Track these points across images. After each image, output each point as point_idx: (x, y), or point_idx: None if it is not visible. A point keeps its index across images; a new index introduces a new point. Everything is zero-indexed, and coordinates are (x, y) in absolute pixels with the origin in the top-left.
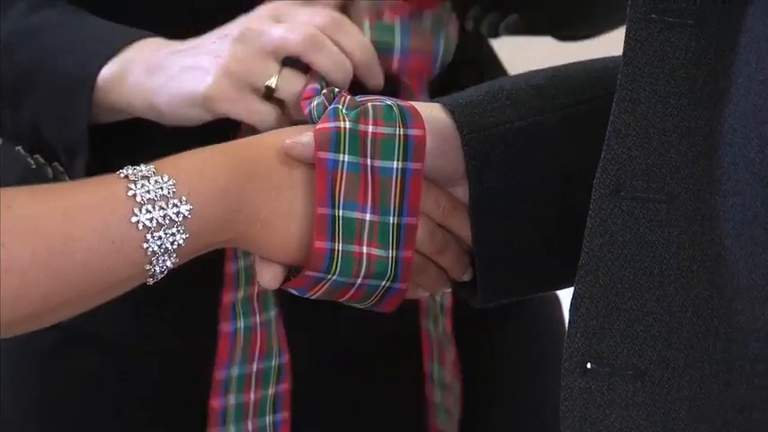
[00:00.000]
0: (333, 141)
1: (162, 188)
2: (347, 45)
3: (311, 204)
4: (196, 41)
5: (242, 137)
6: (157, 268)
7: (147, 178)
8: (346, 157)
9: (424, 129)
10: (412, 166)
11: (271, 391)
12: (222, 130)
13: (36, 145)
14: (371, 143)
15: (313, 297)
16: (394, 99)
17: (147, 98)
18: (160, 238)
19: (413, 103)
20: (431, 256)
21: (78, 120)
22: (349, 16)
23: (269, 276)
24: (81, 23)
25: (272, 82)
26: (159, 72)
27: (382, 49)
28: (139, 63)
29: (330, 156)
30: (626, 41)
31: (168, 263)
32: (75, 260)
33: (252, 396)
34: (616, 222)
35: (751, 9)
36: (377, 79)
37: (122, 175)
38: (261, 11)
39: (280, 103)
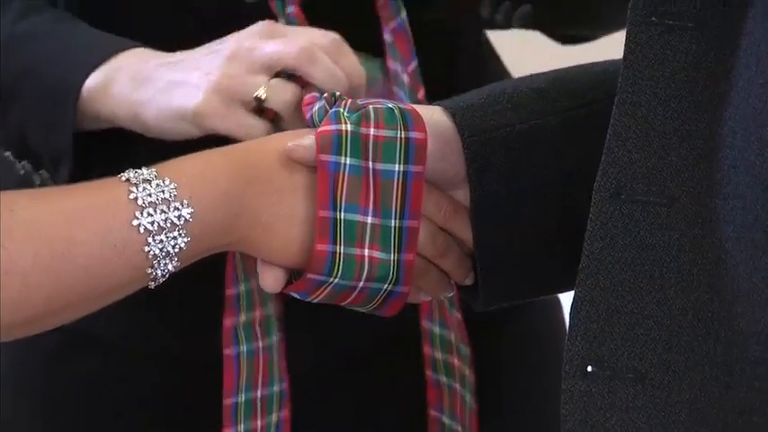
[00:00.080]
0: (334, 144)
1: (163, 191)
2: (344, 66)
3: (313, 207)
4: (185, 55)
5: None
6: (159, 272)
7: (149, 181)
8: (348, 159)
9: (426, 132)
10: (413, 168)
11: (274, 417)
12: (207, 138)
13: (22, 152)
14: (373, 146)
15: (315, 301)
16: (395, 102)
17: (132, 110)
18: (161, 241)
19: (414, 106)
20: (432, 260)
21: (63, 128)
22: None
23: (270, 280)
24: (69, 31)
25: (261, 93)
26: (146, 84)
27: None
28: (125, 73)
29: (332, 158)
30: (626, 44)
31: (170, 266)
32: (76, 263)
33: (258, 423)
34: (616, 225)
35: (751, 12)
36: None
37: (124, 179)
38: (256, 27)
39: (271, 114)
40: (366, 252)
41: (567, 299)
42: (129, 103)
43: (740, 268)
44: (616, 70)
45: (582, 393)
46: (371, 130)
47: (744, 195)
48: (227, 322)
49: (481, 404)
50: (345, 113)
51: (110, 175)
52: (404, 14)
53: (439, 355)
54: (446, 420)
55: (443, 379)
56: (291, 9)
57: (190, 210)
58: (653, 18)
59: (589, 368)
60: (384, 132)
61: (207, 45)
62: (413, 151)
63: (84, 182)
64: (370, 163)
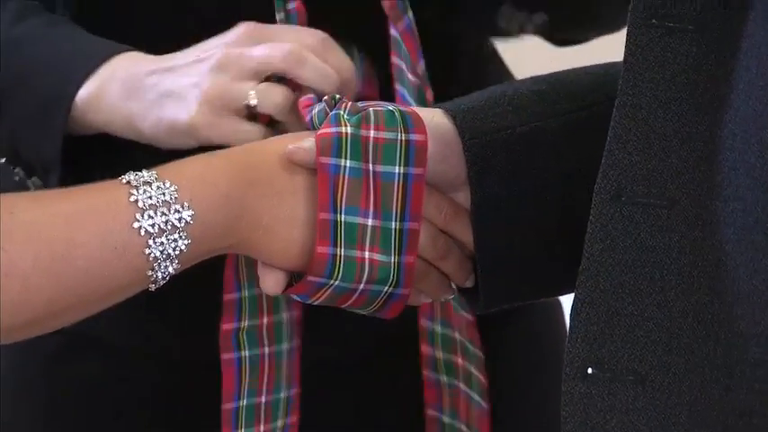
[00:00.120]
0: (334, 146)
1: (164, 194)
2: (333, 62)
3: (313, 210)
4: (174, 61)
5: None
6: (159, 274)
7: (150, 184)
8: (348, 162)
9: (426, 134)
10: (414, 171)
11: (279, 423)
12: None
13: (14, 159)
14: (373, 148)
15: (315, 303)
16: (396, 105)
17: (127, 121)
18: (162, 243)
19: (414, 108)
20: (433, 262)
21: (52, 139)
22: None
23: (271, 282)
24: (62, 36)
25: (251, 99)
26: (138, 95)
27: None
28: (116, 82)
29: (332, 161)
30: (627, 47)
31: (170, 269)
32: (77, 266)
33: (262, 429)
34: (617, 227)
35: (751, 14)
36: (352, 92)
37: (124, 181)
38: (240, 30)
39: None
40: (366, 254)
41: (567, 301)
42: (123, 115)
43: (740, 270)
44: (616, 72)
45: (582, 395)
46: (372, 133)
47: (744, 197)
48: (225, 327)
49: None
50: (345, 116)
51: (110, 177)
52: (410, 14)
53: (439, 353)
54: (446, 420)
55: (443, 378)
56: (293, 5)
57: (190, 212)
58: (653, 20)
59: (589, 370)
60: (384, 134)
61: (195, 48)
62: (413, 153)
63: (84, 184)
64: (371, 165)
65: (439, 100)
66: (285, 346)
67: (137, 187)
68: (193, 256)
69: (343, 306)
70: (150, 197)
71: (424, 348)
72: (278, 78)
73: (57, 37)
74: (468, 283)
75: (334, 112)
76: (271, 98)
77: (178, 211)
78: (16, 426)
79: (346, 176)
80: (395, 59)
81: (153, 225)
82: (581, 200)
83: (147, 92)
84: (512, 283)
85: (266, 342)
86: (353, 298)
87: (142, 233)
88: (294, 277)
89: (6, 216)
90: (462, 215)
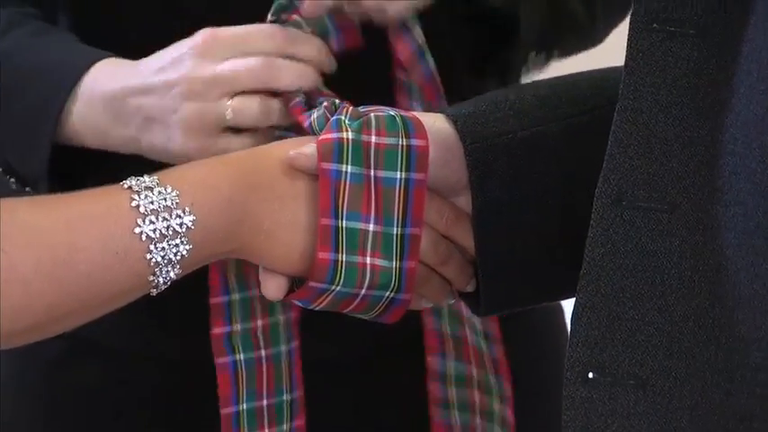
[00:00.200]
0: (336, 152)
1: (165, 199)
2: (303, 54)
3: (314, 215)
4: (147, 79)
5: None
6: (161, 279)
7: (151, 189)
8: (349, 167)
9: (427, 139)
10: (415, 176)
11: (285, 427)
12: None
13: (7, 169)
14: (374, 154)
15: (317, 308)
16: (397, 110)
17: (120, 143)
18: (163, 249)
19: (416, 113)
20: (434, 267)
21: (40, 150)
22: None
23: (273, 288)
24: (46, 47)
25: (228, 117)
26: (125, 119)
27: (321, 37)
28: (98, 104)
29: (333, 166)
30: (628, 51)
31: (172, 274)
32: (78, 270)
33: None
34: (618, 232)
35: (752, 19)
36: (332, 67)
37: (126, 186)
38: (198, 39)
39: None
40: (368, 260)
41: (568, 305)
42: (115, 138)
43: (741, 275)
44: (617, 77)
45: (583, 400)
46: (373, 138)
47: (745, 202)
48: (216, 331)
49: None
50: (347, 121)
51: (110, 182)
52: (430, 60)
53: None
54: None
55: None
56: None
57: (192, 217)
58: (654, 25)
59: (590, 374)
60: (385, 140)
61: (161, 57)
62: (414, 159)
63: (86, 189)
64: (372, 171)
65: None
66: (283, 347)
67: (138, 192)
68: (195, 261)
69: (344, 311)
70: (152, 202)
71: (433, 387)
72: None
73: (42, 47)
74: (470, 288)
75: (335, 117)
76: (246, 112)
77: (179, 216)
78: (16, 426)
79: (348, 182)
80: (405, 103)
81: (154, 230)
82: (582, 204)
83: (132, 116)
84: (513, 288)
85: (262, 345)
86: (355, 303)
87: (143, 238)
88: (295, 282)
89: (7, 220)
90: (463, 220)
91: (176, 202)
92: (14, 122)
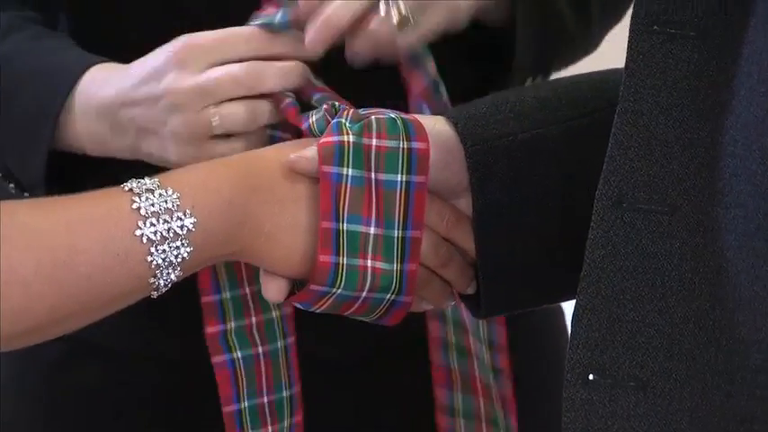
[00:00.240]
0: (336, 155)
1: (166, 201)
2: (283, 50)
3: (315, 218)
4: (133, 92)
5: None
6: (161, 281)
7: (152, 191)
8: (350, 170)
9: (428, 142)
10: (416, 179)
11: (286, 423)
12: None
13: (6, 174)
14: (375, 156)
15: (318, 311)
16: (397, 112)
17: (127, 152)
18: (164, 251)
19: (416, 115)
20: (435, 269)
21: (37, 156)
22: None
23: (273, 290)
24: (44, 51)
25: (216, 125)
26: (121, 129)
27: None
28: (92, 113)
29: (334, 170)
30: (628, 53)
31: (172, 276)
32: (79, 273)
33: (270, 429)
34: (618, 234)
35: (753, 21)
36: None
37: (127, 189)
38: (178, 45)
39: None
40: (369, 263)
41: (568, 307)
42: (115, 146)
43: (741, 277)
44: (618, 79)
45: (583, 402)
46: (374, 141)
47: (745, 204)
48: (211, 330)
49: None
50: (347, 124)
51: (113, 184)
52: (444, 92)
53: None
54: None
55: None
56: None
57: (193, 219)
58: (655, 27)
59: (591, 376)
60: (386, 143)
61: (145, 64)
62: (415, 161)
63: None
64: (373, 173)
65: None
66: (279, 343)
67: (139, 194)
68: (195, 263)
69: (345, 313)
70: (152, 204)
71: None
72: None
73: (40, 51)
74: (470, 290)
75: (335, 120)
76: (233, 119)
77: (180, 219)
78: (16, 427)
79: (348, 185)
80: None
81: (155, 233)
82: (582, 206)
83: (127, 127)
84: (513, 290)
85: (258, 341)
86: (356, 306)
87: (144, 241)
88: (296, 285)
89: (7, 222)
90: (464, 222)
91: (177, 205)
92: (13, 127)
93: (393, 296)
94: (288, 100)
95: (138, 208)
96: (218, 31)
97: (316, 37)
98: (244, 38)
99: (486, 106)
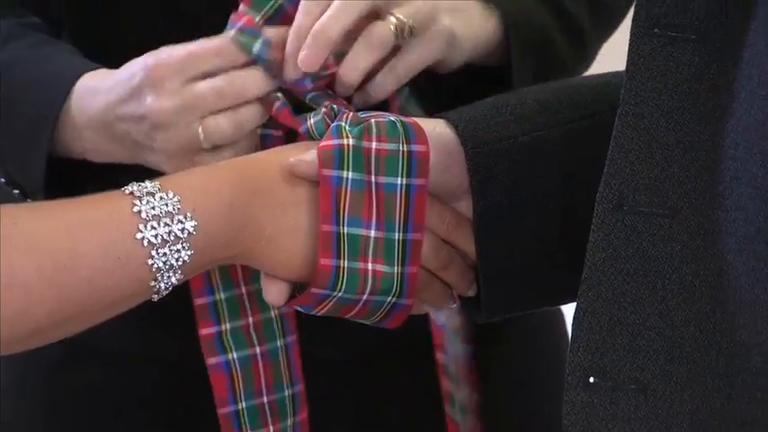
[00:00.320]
0: (336, 158)
1: (167, 204)
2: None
3: (316, 221)
4: (122, 107)
5: None
6: (162, 285)
7: (153, 195)
8: (350, 173)
9: (428, 144)
10: (416, 181)
11: (289, 422)
12: None
13: (8, 180)
14: (375, 159)
15: (319, 314)
16: (397, 115)
17: (124, 159)
18: (165, 254)
19: (417, 118)
20: (435, 272)
21: (36, 162)
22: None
23: (274, 293)
24: (43, 58)
25: (202, 139)
26: (117, 139)
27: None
28: (86, 127)
29: (334, 173)
30: (629, 56)
31: (173, 279)
32: (80, 276)
33: (271, 429)
34: (619, 237)
35: (753, 24)
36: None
37: (127, 192)
38: (150, 62)
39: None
40: (370, 266)
41: (569, 310)
42: (116, 154)
43: (742, 280)
44: (618, 82)
45: (584, 404)
46: (374, 144)
47: (746, 207)
48: (205, 332)
49: (483, 415)
50: (347, 127)
51: (113, 188)
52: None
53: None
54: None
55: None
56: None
57: (193, 223)
58: (656, 30)
59: (591, 379)
60: (386, 146)
61: (123, 89)
62: (415, 164)
63: (87, 195)
64: (373, 176)
65: None
66: (279, 342)
67: (140, 198)
68: (196, 266)
69: (346, 316)
70: (153, 208)
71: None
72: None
73: (39, 58)
74: (471, 293)
75: (335, 123)
76: (218, 132)
77: (181, 222)
78: (16, 428)
79: (349, 188)
80: None
81: (156, 236)
82: (583, 209)
83: (123, 138)
84: (514, 293)
85: (256, 341)
86: (357, 309)
87: (145, 244)
88: (297, 288)
89: (8, 226)
90: (464, 225)
91: (178, 208)
92: (13, 134)
93: (394, 299)
94: (278, 102)
95: (139, 211)
96: (188, 45)
97: (309, 53)
98: (214, 51)
99: (487, 109)
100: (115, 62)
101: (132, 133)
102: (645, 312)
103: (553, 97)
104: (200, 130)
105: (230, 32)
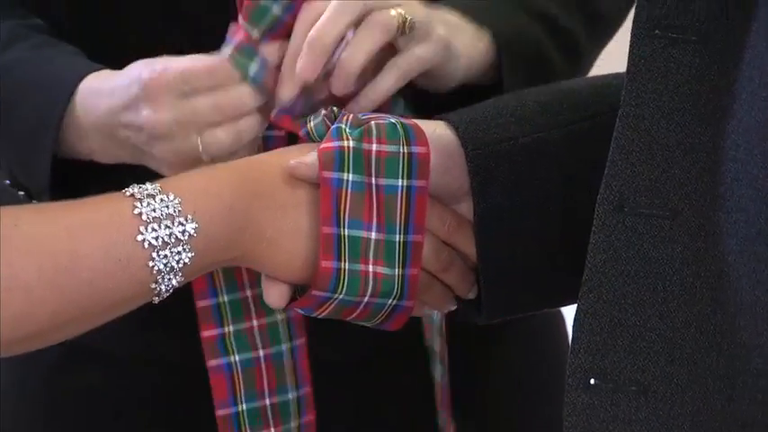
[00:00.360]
0: (336, 160)
1: (168, 206)
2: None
3: (316, 223)
4: (123, 115)
5: None
6: (163, 287)
7: (153, 197)
8: (350, 175)
9: (428, 146)
10: (416, 183)
11: (293, 424)
12: None
13: (14, 182)
14: (376, 161)
15: (320, 316)
16: (397, 117)
17: (129, 159)
18: (166, 256)
19: (417, 120)
20: (436, 274)
21: (41, 164)
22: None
23: (275, 296)
24: (46, 60)
25: (201, 153)
26: (120, 144)
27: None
28: (91, 130)
29: (334, 175)
30: (630, 57)
31: (174, 281)
32: (80, 278)
33: (272, 431)
34: (619, 238)
35: (754, 26)
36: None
37: (128, 194)
38: (144, 84)
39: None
40: (370, 268)
41: (569, 311)
42: (121, 155)
43: (743, 281)
44: (619, 83)
45: (585, 406)
46: (374, 146)
47: (747, 209)
48: (207, 334)
49: (483, 417)
50: (347, 129)
51: (118, 189)
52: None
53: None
54: None
55: None
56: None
57: (194, 225)
58: (656, 31)
59: (592, 381)
60: (386, 147)
61: (120, 98)
62: (416, 166)
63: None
64: (373, 178)
65: None
66: (285, 346)
67: (140, 200)
68: (197, 268)
69: (347, 319)
70: (154, 210)
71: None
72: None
73: (42, 60)
74: (471, 295)
75: (335, 125)
76: (217, 145)
77: (182, 224)
78: (16, 428)
79: (349, 190)
80: None
81: (157, 238)
82: (584, 210)
83: (124, 143)
84: (514, 294)
85: (260, 344)
86: (358, 311)
87: (146, 246)
88: (298, 290)
89: (9, 228)
90: (465, 227)
91: (179, 210)
92: (16, 136)
93: (395, 301)
94: (276, 108)
95: (140, 213)
96: (183, 61)
97: (307, 60)
98: (207, 70)
99: (487, 110)
100: (115, 62)
101: (132, 139)
102: (645, 314)
103: (554, 99)
104: (198, 141)
105: (227, 50)
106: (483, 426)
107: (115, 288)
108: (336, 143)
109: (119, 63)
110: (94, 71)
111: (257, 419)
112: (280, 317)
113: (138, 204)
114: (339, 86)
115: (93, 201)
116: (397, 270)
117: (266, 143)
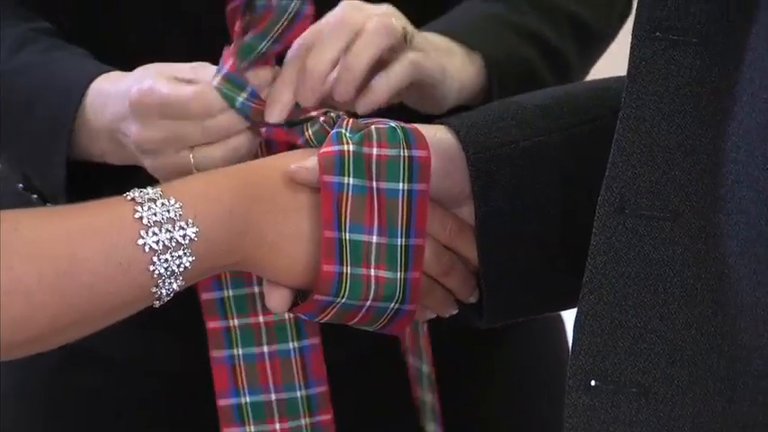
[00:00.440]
0: (337, 164)
1: (168, 210)
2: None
3: (317, 227)
4: (122, 123)
5: None
6: (164, 291)
7: (154, 201)
8: (351, 179)
9: (429, 150)
10: (417, 187)
11: (304, 421)
12: None
13: (27, 186)
14: (376, 165)
15: (322, 321)
16: (397, 122)
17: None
18: (167, 260)
19: (418, 125)
20: (437, 278)
21: (56, 167)
22: None
23: (277, 300)
24: (56, 63)
25: (193, 168)
26: (125, 147)
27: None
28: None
29: (335, 179)
30: (630, 59)
31: (174, 285)
32: (81, 282)
33: (278, 426)
34: (620, 240)
35: (755, 28)
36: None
37: (129, 198)
38: (131, 102)
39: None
40: (372, 272)
41: (569, 314)
42: (132, 161)
43: (743, 283)
44: (619, 87)
45: (585, 407)
46: (374, 150)
47: (747, 210)
48: (212, 325)
49: (483, 419)
50: (347, 134)
51: (117, 193)
52: None
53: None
54: None
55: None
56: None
57: (195, 229)
58: (657, 33)
59: (593, 382)
60: (387, 151)
61: (115, 106)
62: (416, 170)
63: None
64: (374, 182)
65: None
66: (294, 344)
67: (141, 204)
68: (198, 272)
69: (349, 323)
70: (155, 214)
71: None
72: None
73: (51, 63)
74: (472, 299)
75: (335, 130)
76: (209, 161)
77: (183, 228)
78: (16, 426)
79: (350, 194)
80: None
81: (157, 242)
82: (584, 213)
83: (129, 147)
84: (515, 298)
85: (265, 341)
86: (360, 315)
87: (147, 250)
88: (299, 295)
89: (10, 232)
90: (466, 231)
91: (179, 214)
92: (29, 141)
93: (397, 305)
94: (266, 127)
95: (141, 217)
96: (167, 89)
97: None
98: (190, 100)
99: (488, 114)
100: (116, 62)
101: (130, 146)
102: (646, 315)
103: (554, 102)
104: (190, 157)
105: (216, 79)
106: (484, 427)
107: (116, 292)
108: (337, 147)
109: (119, 63)
110: (104, 72)
111: (260, 412)
112: (287, 315)
113: (139, 208)
114: (343, 90)
115: (94, 205)
116: (398, 274)
117: (268, 147)
